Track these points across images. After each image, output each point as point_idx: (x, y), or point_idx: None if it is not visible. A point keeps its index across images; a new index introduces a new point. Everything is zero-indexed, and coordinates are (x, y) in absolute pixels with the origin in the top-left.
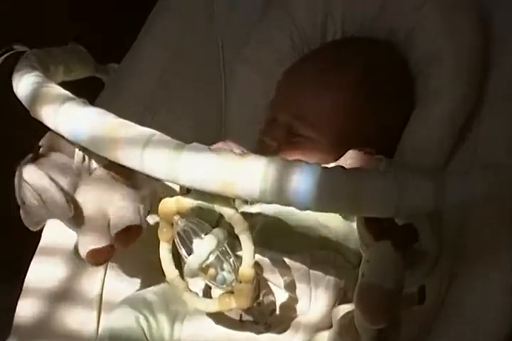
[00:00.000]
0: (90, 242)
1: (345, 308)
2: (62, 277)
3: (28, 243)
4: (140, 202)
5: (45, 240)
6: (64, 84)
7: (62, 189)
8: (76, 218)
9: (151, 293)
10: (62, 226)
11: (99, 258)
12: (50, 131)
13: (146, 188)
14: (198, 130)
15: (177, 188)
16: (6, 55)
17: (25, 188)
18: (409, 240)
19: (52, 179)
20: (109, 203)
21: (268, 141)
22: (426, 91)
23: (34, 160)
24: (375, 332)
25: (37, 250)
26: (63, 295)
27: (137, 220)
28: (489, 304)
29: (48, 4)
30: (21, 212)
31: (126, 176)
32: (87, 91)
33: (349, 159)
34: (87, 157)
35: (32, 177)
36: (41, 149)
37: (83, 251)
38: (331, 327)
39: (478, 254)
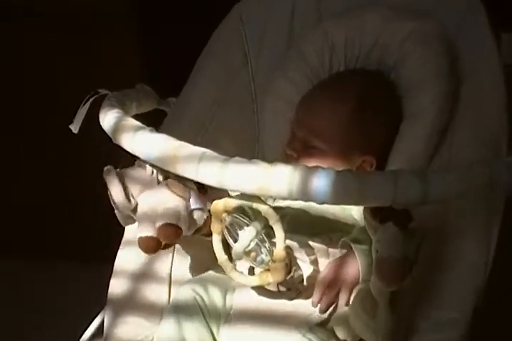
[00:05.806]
0: (140, 231)
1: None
2: (141, 261)
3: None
4: (184, 211)
5: (127, 234)
6: (137, 116)
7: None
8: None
9: (206, 273)
10: None
11: (146, 245)
12: None
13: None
14: (238, 145)
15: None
16: (94, 97)
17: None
18: (407, 220)
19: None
20: (159, 205)
21: (289, 151)
22: (411, 108)
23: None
24: (389, 294)
25: (122, 242)
26: (142, 274)
27: (175, 221)
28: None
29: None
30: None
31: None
32: (154, 120)
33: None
34: (154, 171)
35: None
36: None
37: (137, 240)
38: None
39: (457, 233)
